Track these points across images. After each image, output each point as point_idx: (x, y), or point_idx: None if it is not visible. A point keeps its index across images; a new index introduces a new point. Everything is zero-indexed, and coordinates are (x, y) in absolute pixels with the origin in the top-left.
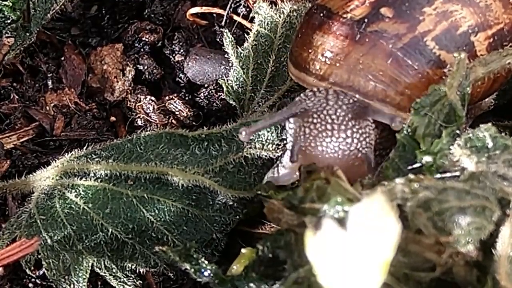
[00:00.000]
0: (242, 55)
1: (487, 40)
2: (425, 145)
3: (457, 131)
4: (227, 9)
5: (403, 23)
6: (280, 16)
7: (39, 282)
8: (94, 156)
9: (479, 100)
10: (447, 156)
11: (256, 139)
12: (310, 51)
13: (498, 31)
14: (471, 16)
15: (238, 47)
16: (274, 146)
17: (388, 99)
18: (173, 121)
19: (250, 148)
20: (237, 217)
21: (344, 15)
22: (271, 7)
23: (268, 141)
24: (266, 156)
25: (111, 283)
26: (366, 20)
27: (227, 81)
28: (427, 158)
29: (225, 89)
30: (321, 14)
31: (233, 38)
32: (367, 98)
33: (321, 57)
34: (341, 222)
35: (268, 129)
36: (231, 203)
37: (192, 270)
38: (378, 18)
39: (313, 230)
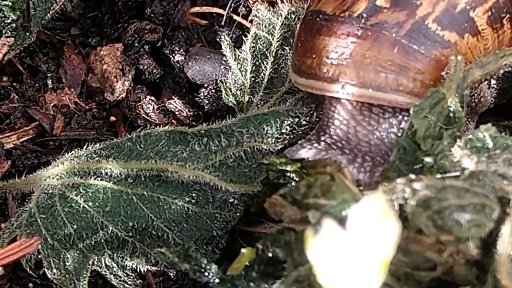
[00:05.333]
0: (240, 57)
1: (485, 14)
2: (425, 147)
3: (458, 133)
4: (227, 9)
5: (401, 10)
6: (278, 18)
7: (39, 282)
8: (94, 156)
9: None
10: (448, 157)
11: (256, 133)
12: (314, 56)
13: (494, 3)
14: None
15: (236, 49)
16: (273, 139)
17: (402, 87)
18: (173, 121)
19: (250, 142)
20: (238, 214)
21: (342, 14)
22: (269, 9)
23: (268, 134)
24: (266, 149)
25: (112, 282)
26: (364, 14)
27: (226, 83)
28: (428, 159)
29: (223, 91)
30: (318, 19)
31: (230, 41)
32: (381, 90)
33: (327, 60)
34: (341, 221)
35: (268, 123)
36: (231, 200)
37: (192, 270)
38: (376, 10)
39: (314, 227)
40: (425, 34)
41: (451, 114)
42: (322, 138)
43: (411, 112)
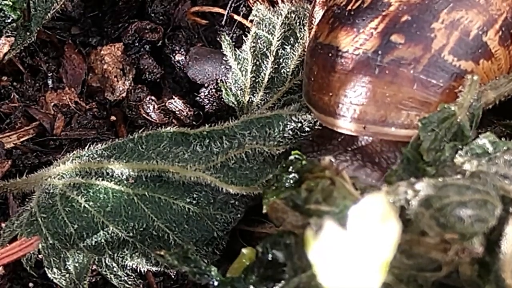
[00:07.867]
0: (240, 57)
1: (497, 35)
2: (428, 158)
3: (460, 146)
4: (228, 8)
5: (417, 45)
6: (278, 18)
7: (39, 282)
8: (95, 156)
9: None
10: (449, 166)
11: (258, 135)
12: (330, 94)
13: (503, 21)
14: (477, 17)
15: (237, 49)
16: (276, 142)
17: None
18: (174, 120)
19: (252, 144)
20: (238, 215)
21: (356, 52)
22: (270, 9)
23: (270, 137)
24: (267, 152)
25: (112, 282)
26: (380, 51)
27: (226, 83)
28: (430, 169)
29: (224, 91)
30: (330, 54)
31: (231, 40)
32: (403, 128)
33: (345, 99)
34: (342, 222)
35: (271, 126)
36: (232, 201)
37: (191, 272)
38: (391, 46)
39: (315, 232)
40: (442, 67)
41: (459, 131)
42: (349, 149)
43: (419, 124)
